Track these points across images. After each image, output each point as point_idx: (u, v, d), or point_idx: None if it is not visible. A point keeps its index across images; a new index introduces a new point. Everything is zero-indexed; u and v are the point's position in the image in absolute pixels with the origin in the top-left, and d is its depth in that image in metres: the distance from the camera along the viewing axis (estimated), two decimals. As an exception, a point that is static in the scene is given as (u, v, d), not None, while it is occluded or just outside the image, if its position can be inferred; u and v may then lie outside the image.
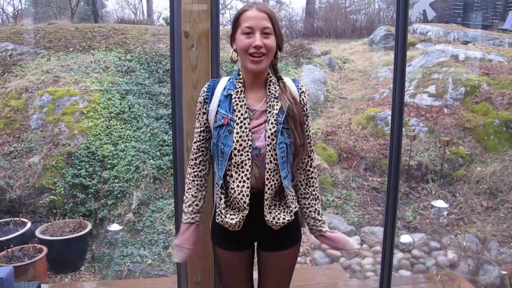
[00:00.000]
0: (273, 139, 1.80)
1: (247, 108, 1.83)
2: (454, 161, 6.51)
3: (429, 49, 9.54)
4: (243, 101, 1.83)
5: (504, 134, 6.74)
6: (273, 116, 1.81)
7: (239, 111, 1.81)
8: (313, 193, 2.00)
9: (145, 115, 6.92)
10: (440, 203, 5.66)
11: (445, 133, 6.84)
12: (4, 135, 6.29)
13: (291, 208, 1.90)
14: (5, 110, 6.65)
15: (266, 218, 1.84)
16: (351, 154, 6.81)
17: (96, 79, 7.44)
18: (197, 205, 1.96)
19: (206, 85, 1.94)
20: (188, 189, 1.97)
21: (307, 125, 1.96)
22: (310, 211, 2.00)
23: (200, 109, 1.93)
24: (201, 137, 1.95)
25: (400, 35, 2.49)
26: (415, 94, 7.74)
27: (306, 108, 1.95)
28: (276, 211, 1.87)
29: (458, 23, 13.57)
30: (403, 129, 6.69)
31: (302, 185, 2.00)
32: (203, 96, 1.92)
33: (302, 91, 1.95)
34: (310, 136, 1.98)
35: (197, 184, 1.96)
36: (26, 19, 13.24)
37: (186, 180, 1.99)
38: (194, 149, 1.97)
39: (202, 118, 1.93)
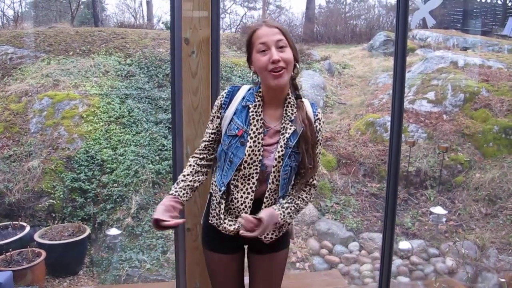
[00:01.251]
0: (279, 162, 1.81)
1: (263, 123, 1.84)
2: (453, 168, 6.52)
3: (428, 55, 9.56)
4: (260, 115, 1.84)
5: (503, 140, 6.75)
6: (284, 140, 1.81)
7: (254, 125, 1.82)
8: (299, 199, 1.92)
9: (144, 119, 6.92)
10: (439, 210, 5.66)
11: (444, 139, 6.85)
12: (4, 139, 6.29)
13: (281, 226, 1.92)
14: (5, 114, 6.65)
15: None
16: (350, 160, 6.81)
17: (96, 83, 7.45)
18: (184, 181, 1.91)
19: (226, 90, 1.94)
20: (182, 172, 1.96)
21: (318, 151, 1.93)
22: (288, 202, 1.89)
23: (215, 112, 1.93)
24: (210, 138, 1.96)
25: (400, 41, 2.51)
26: (414, 100, 7.75)
27: (320, 135, 1.92)
28: None
29: (458, 29, 13.61)
30: (402, 135, 6.71)
31: (294, 189, 1.94)
32: (221, 101, 1.92)
33: (318, 118, 1.92)
34: (318, 162, 1.94)
35: (193, 169, 1.95)
36: (27, 23, 13.26)
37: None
38: (201, 146, 1.98)
39: (216, 121, 1.93)
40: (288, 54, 1.77)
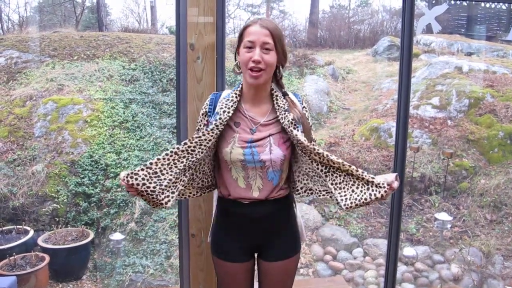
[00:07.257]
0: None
1: (251, 121, 1.86)
2: (458, 174, 6.49)
3: (432, 61, 9.54)
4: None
5: (508, 146, 6.72)
6: (291, 125, 1.81)
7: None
8: (344, 166, 1.98)
9: (148, 124, 6.93)
10: (443, 216, 5.62)
11: (449, 145, 6.82)
12: (8, 143, 6.30)
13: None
14: (9, 118, 6.67)
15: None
16: (354, 165, 6.77)
17: (100, 87, 7.46)
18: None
19: (209, 99, 1.96)
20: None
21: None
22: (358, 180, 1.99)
23: (201, 120, 1.97)
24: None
25: (406, 47, 2.50)
26: (418, 105, 7.73)
27: (309, 119, 2.01)
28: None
29: (462, 34, 13.56)
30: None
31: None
32: (205, 109, 1.95)
33: (304, 106, 1.99)
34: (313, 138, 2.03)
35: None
36: (31, 27, 13.30)
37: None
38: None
39: (203, 129, 1.96)
40: (271, 57, 1.79)
